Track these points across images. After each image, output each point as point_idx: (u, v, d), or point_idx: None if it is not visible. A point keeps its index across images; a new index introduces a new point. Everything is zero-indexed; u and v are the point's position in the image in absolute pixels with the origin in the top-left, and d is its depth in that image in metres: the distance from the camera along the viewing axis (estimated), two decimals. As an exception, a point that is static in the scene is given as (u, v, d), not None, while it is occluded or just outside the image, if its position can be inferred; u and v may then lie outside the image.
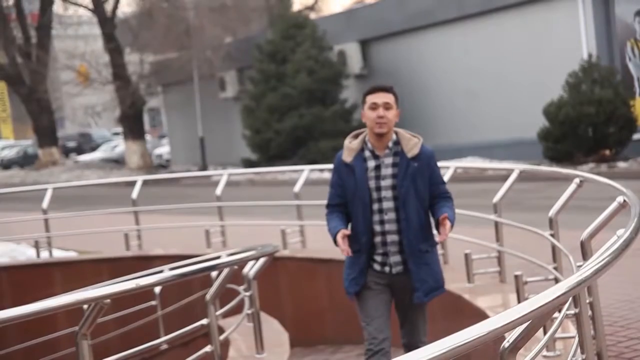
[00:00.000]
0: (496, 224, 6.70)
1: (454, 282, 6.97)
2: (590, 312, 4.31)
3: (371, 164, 4.53)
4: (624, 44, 19.68)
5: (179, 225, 11.36)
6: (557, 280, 5.21)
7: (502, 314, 2.19)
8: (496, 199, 6.66)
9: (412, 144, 4.53)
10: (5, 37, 33.00)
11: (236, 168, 24.47)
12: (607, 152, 18.22)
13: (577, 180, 5.38)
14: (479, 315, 5.63)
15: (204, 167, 28.64)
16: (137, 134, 32.71)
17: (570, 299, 3.43)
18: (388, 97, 4.55)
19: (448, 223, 4.40)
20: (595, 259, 2.90)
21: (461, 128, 22.50)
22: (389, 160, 4.54)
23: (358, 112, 23.97)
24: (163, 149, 35.73)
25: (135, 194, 10.54)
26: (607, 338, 4.76)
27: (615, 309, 6.03)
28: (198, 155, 29.55)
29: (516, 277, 5.09)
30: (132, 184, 11.00)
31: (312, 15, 33.46)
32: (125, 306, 6.97)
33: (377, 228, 4.53)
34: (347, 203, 4.57)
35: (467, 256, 6.70)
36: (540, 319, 2.38)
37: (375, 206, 4.51)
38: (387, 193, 4.51)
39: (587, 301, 4.24)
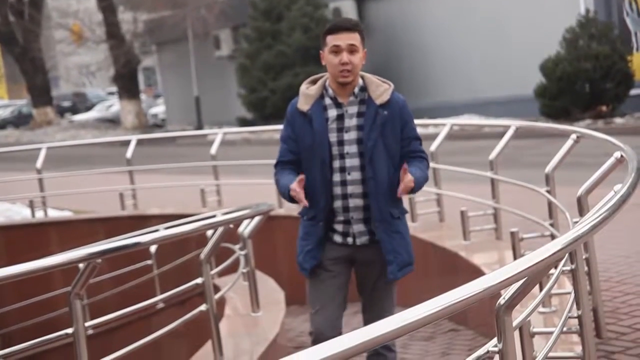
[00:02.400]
0: (492, 181, 6.68)
1: (450, 239, 6.98)
2: (586, 268, 4.31)
3: (332, 113, 3.84)
4: (622, -1, 19.52)
5: (175, 185, 11.33)
6: (553, 237, 5.20)
7: (498, 271, 2.17)
8: (492, 156, 6.64)
9: (382, 90, 3.87)
10: (-3, -4, 32.70)
11: (232, 127, 24.40)
12: (604, 108, 18.17)
13: (573, 136, 5.34)
14: (475, 272, 5.64)
15: (199, 127, 28.56)
16: (132, 93, 32.58)
17: (567, 255, 3.42)
18: (353, 38, 3.82)
19: (409, 175, 3.69)
20: (592, 215, 2.88)
21: (457, 85, 22.41)
22: (353, 109, 3.85)
23: (354, 70, 23.87)
24: (158, 109, 35.61)
25: (130, 153, 10.50)
26: (603, 294, 4.77)
27: (612, 264, 6.04)
28: (193, 115, 29.45)
29: (512, 233, 5.08)
30: (127, 143, 10.95)
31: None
32: (121, 266, 6.98)
33: (338, 190, 3.83)
34: (300, 161, 3.89)
35: (463, 213, 6.69)
36: (536, 276, 2.36)
37: (337, 164, 3.82)
38: (352, 148, 3.82)
39: (584, 257, 4.24)
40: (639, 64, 18.72)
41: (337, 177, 3.82)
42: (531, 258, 2.29)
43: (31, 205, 10.80)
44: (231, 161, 10.97)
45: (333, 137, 3.82)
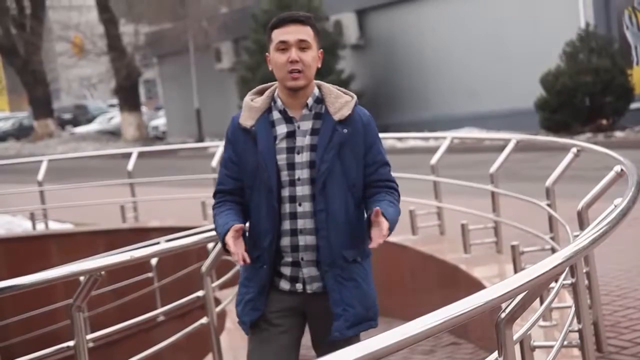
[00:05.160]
0: (493, 195, 6.69)
1: (450, 252, 6.98)
2: (586, 282, 4.32)
3: (281, 130, 3.12)
4: (622, 12, 19.57)
5: (176, 197, 11.35)
6: (553, 250, 5.20)
7: (498, 285, 2.18)
8: (493, 169, 6.65)
9: (342, 103, 3.13)
10: (-1, 8, 32.80)
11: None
12: (604, 121, 18.19)
13: (574, 149, 5.36)
14: (476, 286, 5.63)
15: (200, 139, 28.58)
16: (133, 105, 32.63)
17: (567, 269, 3.43)
18: (304, 32, 3.09)
19: (384, 221, 2.98)
20: (592, 229, 2.89)
21: (458, 98, 22.44)
22: (307, 124, 3.13)
23: (355, 84, 23.89)
24: (159, 121, 35.65)
25: (131, 165, 10.52)
26: (603, 307, 4.77)
27: (612, 278, 6.04)
28: (194, 127, 29.48)
29: (513, 247, 5.08)
30: (128, 155, 10.97)
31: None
32: (122, 278, 6.99)
33: (287, 225, 3.10)
34: (243, 189, 3.17)
35: (463, 226, 6.70)
36: (536, 289, 2.37)
37: (286, 192, 3.10)
38: (304, 173, 3.10)
39: (584, 271, 4.25)
40: (639, 78, 18.76)
41: (285, 209, 3.10)
42: (532, 272, 2.30)
43: (32, 217, 10.82)
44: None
45: (282, 159, 3.10)
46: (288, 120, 3.13)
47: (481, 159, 11.15)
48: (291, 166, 3.10)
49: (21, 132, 40.11)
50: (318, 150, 3.08)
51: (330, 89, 3.18)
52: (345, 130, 3.09)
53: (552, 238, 5.48)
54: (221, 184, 3.21)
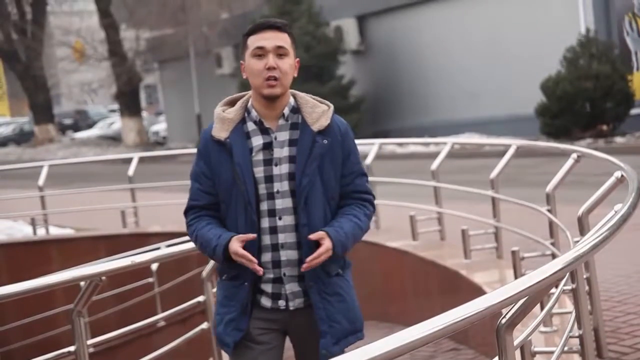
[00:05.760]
0: (493, 200, 6.69)
1: (451, 258, 6.98)
2: (587, 288, 4.32)
3: (257, 141, 3.02)
4: (622, 18, 19.59)
5: (176, 202, 11.32)
6: (554, 256, 5.20)
7: (499, 290, 2.18)
8: (493, 174, 6.65)
9: (319, 112, 3.05)
10: (0, 14, 32.84)
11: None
12: (605, 127, 18.20)
13: (574, 155, 5.36)
14: (476, 291, 5.64)
15: (200, 144, 28.60)
16: (134, 110, 32.66)
17: (568, 274, 3.43)
18: (282, 39, 3.03)
19: (326, 241, 2.91)
20: (593, 235, 2.89)
21: (458, 104, 22.45)
22: (284, 135, 3.04)
23: (355, 89, 23.92)
24: (160, 126, 35.67)
25: (131, 171, 10.52)
26: (603, 313, 4.77)
27: (612, 284, 6.04)
28: (195, 132, 29.49)
29: (513, 252, 5.08)
30: (128, 161, 10.98)
31: (309, -9, 33.26)
32: (122, 283, 6.99)
33: (267, 239, 3.00)
34: (218, 204, 3.05)
35: (464, 232, 6.70)
36: (537, 295, 2.37)
37: (264, 205, 3.00)
38: (283, 185, 3.00)
39: (584, 277, 4.25)
40: (639, 84, 18.78)
41: (265, 223, 2.99)
42: (532, 277, 2.30)
43: (33, 222, 10.82)
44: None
45: (259, 171, 2.99)
46: (264, 131, 3.03)
47: (481, 164, 11.16)
48: (269, 179, 3.00)
49: (22, 138, 40.15)
50: (298, 162, 2.99)
51: (306, 99, 3.11)
52: (325, 141, 3.01)
53: (552, 244, 5.48)
54: (195, 199, 3.08)
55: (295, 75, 3.08)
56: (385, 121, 23.75)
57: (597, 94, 17.77)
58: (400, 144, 19.15)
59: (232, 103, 3.13)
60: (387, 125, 23.39)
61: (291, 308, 3.04)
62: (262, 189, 2.99)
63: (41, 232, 10.85)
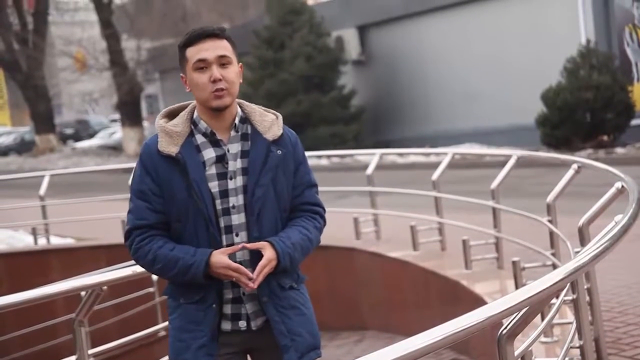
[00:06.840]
0: (494, 210, 6.70)
1: (451, 268, 6.99)
2: (587, 298, 4.32)
3: (209, 154, 2.87)
4: (622, 29, 19.64)
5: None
6: (554, 267, 5.21)
7: (499, 300, 2.19)
8: (494, 185, 6.66)
9: (269, 122, 2.92)
10: (1, 23, 32.94)
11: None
12: (605, 138, 18.21)
13: (574, 166, 5.37)
14: (477, 302, 5.64)
15: (201, 154, 28.61)
16: (135, 120, 32.68)
17: (568, 285, 3.43)
18: (223, 47, 2.91)
19: (267, 252, 2.80)
20: (593, 245, 2.89)
21: (459, 114, 22.48)
22: (236, 147, 2.89)
23: (356, 99, 23.96)
24: (160, 136, 35.61)
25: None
26: (604, 324, 4.77)
27: (613, 294, 6.04)
28: (196, 142, 29.51)
29: (514, 263, 5.09)
30: (129, 170, 10.96)
31: (310, 1, 33.37)
32: (123, 293, 6.99)
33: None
34: (167, 223, 2.86)
35: (464, 242, 6.71)
36: (538, 305, 2.38)
37: (221, 222, 2.84)
38: (239, 199, 2.85)
39: (585, 287, 4.25)
40: (639, 95, 18.80)
41: (223, 241, 2.85)
42: (533, 287, 2.31)
43: (34, 232, 10.82)
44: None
45: (214, 186, 2.83)
46: (215, 143, 2.87)
47: (482, 174, 11.16)
48: (224, 193, 2.84)
49: (23, 147, 40.16)
50: (251, 173, 2.84)
51: (253, 107, 2.96)
52: (280, 152, 2.88)
53: (553, 254, 5.49)
54: (142, 218, 2.84)
55: (241, 80, 2.96)
56: (386, 131, 23.76)
57: (597, 104, 17.79)
58: (401, 154, 19.16)
59: (171, 115, 2.99)
60: (387, 136, 23.41)
61: (253, 328, 2.88)
62: (218, 204, 2.84)
63: (42, 242, 10.85)
